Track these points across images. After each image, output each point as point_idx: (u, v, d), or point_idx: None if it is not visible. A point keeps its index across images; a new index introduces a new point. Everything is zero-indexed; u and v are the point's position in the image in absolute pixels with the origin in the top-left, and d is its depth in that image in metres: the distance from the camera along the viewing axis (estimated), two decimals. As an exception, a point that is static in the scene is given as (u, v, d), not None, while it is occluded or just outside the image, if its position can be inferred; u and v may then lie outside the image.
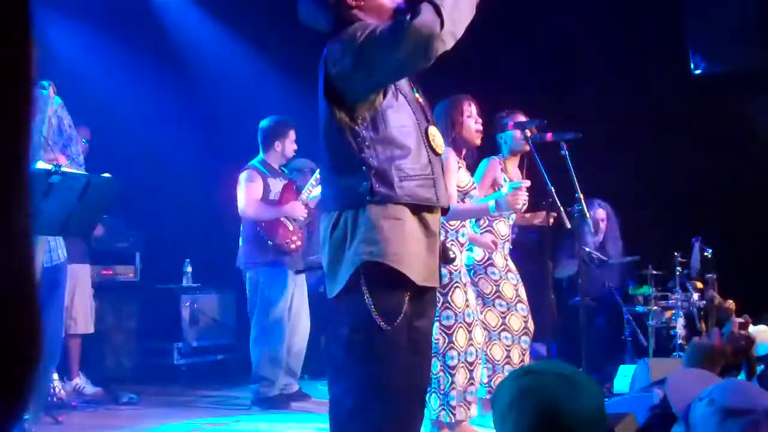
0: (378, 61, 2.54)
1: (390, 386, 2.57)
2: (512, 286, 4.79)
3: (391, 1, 2.70)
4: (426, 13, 2.41)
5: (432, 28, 2.41)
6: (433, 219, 2.71)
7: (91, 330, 5.83)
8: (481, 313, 4.65)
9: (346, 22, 2.65)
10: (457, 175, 4.38)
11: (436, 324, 4.28)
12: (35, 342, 0.59)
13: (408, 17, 2.44)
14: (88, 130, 5.63)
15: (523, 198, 4.15)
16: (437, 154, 2.73)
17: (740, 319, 2.09)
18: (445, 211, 2.86)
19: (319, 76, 2.67)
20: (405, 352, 2.61)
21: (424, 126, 2.71)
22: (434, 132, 2.74)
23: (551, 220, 4.59)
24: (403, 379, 2.60)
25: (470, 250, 4.73)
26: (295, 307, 5.53)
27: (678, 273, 5.91)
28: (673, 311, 5.87)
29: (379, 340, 2.56)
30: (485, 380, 4.67)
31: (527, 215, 4.90)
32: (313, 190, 5.45)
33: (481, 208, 4.34)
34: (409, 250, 2.60)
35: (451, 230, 4.35)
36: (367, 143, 2.58)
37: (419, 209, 2.65)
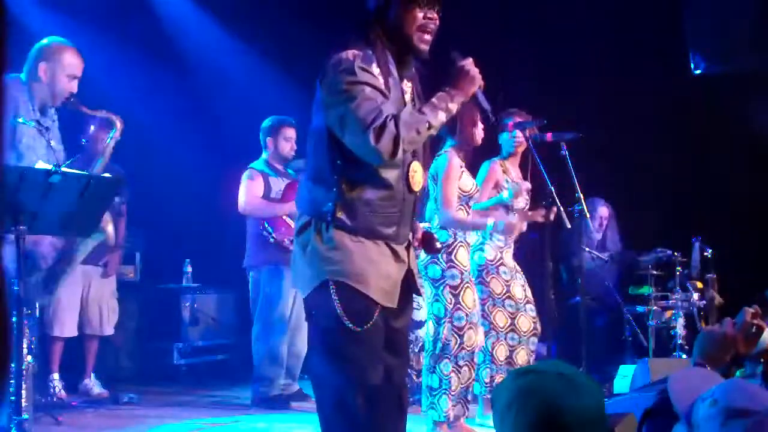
0: (335, 128, 2.57)
1: (367, 386, 2.58)
2: (521, 286, 4.81)
3: (418, 39, 2.64)
4: (386, 139, 2.48)
5: (384, 154, 2.49)
6: (400, 248, 2.71)
7: (108, 332, 5.78)
8: (491, 313, 4.68)
9: (367, 35, 2.64)
10: (461, 179, 4.42)
11: (448, 325, 4.28)
12: (4, 345, 0.58)
13: (372, 133, 2.46)
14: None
15: (523, 201, 4.15)
16: (412, 191, 2.70)
17: (751, 309, 2.09)
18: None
19: (317, 83, 2.65)
20: (380, 352, 2.63)
21: (408, 160, 2.68)
22: (416, 168, 2.71)
23: (552, 216, 4.60)
24: (380, 378, 2.61)
25: (481, 249, 4.74)
26: (298, 307, 5.53)
27: (678, 273, 5.91)
28: (673, 311, 5.87)
29: (351, 342, 2.57)
30: (486, 380, 4.68)
31: (528, 213, 4.91)
32: None
33: (479, 224, 4.40)
34: (371, 269, 2.61)
35: (460, 231, 4.39)
36: (346, 170, 2.59)
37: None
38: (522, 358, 4.75)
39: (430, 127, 2.58)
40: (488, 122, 2.81)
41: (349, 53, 2.56)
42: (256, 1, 7.08)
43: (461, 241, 4.39)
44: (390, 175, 2.63)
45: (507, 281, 4.75)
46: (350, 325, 2.55)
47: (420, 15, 2.61)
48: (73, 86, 3.88)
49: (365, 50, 2.60)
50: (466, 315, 4.29)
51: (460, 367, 4.29)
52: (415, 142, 2.58)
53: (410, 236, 2.79)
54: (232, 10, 7.15)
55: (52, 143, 3.85)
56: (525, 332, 4.76)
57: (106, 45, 6.42)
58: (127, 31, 6.65)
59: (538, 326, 4.81)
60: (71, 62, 3.89)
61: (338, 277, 2.57)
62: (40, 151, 3.74)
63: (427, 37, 2.64)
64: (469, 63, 2.66)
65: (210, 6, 7.23)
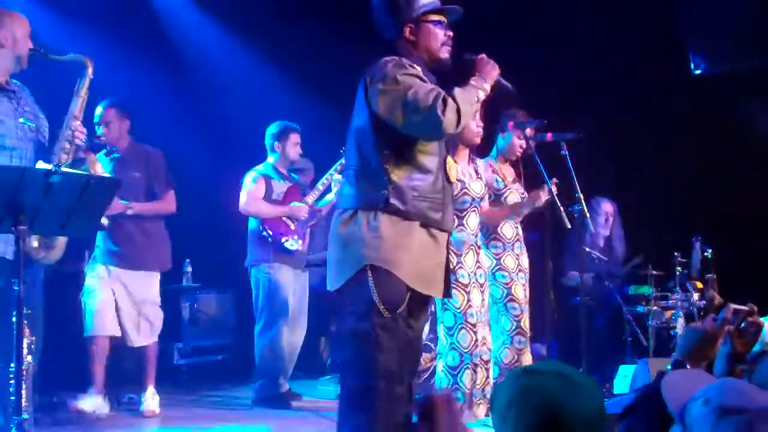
0: (391, 113, 2.85)
1: (391, 372, 2.80)
2: (522, 286, 4.81)
3: (443, 52, 3.08)
4: (450, 112, 2.84)
5: (449, 127, 2.86)
6: (441, 236, 2.99)
7: (140, 343, 5.37)
8: (498, 314, 4.70)
9: (398, 47, 3.04)
10: (474, 183, 4.46)
11: (440, 325, 4.31)
12: None
13: (438, 109, 2.81)
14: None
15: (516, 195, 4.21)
16: (449, 182, 3.03)
17: (744, 307, 2.09)
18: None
19: (360, 84, 2.94)
20: (402, 344, 2.87)
21: (443, 154, 3.02)
22: (450, 162, 3.08)
23: (543, 196, 4.58)
24: (400, 367, 2.85)
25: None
26: (295, 307, 5.55)
27: (678, 273, 5.90)
28: (673, 311, 5.86)
29: (382, 328, 2.80)
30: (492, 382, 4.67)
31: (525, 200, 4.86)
32: (318, 194, 5.57)
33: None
34: (410, 258, 2.85)
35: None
36: (393, 159, 2.87)
37: (428, 225, 2.93)
38: (528, 359, 4.76)
39: (477, 101, 2.99)
40: (513, 98, 3.34)
41: (395, 57, 2.95)
42: (257, 2, 7.08)
43: (472, 245, 4.40)
44: (431, 163, 2.94)
45: (507, 284, 4.75)
46: (383, 311, 2.79)
47: (441, 34, 3.09)
48: (29, 42, 3.84)
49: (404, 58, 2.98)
50: (454, 315, 4.30)
51: (452, 367, 4.29)
52: (468, 115, 2.93)
53: (452, 225, 3.09)
54: (232, 10, 7.15)
55: (21, 120, 3.76)
56: (529, 332, 4.77)
57: (106, 45, 6.42)
58: (128, 32, 6.65)
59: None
60: (22, 21, 3.87)
61: (374, 261, 2.81)
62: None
63: (448, 48, 3.12)
64: (484, 55, 3.10)
65: (211, 6, 7.23)
